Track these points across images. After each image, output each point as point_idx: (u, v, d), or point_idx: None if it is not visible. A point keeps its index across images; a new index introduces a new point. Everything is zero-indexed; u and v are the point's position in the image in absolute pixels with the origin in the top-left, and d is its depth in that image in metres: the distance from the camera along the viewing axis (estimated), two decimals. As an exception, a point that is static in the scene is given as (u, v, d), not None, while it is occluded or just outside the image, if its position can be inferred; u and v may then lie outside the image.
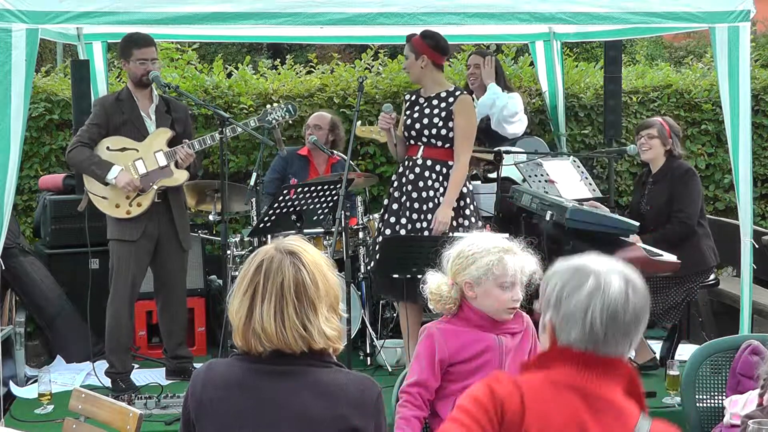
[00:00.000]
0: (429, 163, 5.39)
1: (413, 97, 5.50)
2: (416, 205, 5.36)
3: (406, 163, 5.44)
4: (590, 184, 6.06)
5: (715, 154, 7.93)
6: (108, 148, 5.30)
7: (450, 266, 3.09)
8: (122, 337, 5.38)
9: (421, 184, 5.37)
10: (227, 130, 5.36)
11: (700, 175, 5.77)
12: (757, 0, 5.06)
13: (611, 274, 2.03)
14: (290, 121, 6.14)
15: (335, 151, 6.44)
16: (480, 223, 5.47)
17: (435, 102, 5.40)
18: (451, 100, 5.39)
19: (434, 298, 3.14)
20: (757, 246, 5.40)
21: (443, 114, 5.36)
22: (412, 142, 5.40)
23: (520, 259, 2.99)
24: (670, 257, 4.95)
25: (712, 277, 5.66)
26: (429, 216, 5.33)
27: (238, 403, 2.35)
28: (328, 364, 2.38)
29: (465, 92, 5.55)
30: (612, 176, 7.08)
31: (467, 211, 5.41)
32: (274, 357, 2.34)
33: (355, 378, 2.41)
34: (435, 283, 3.11)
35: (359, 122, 6.44)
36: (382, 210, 5.57)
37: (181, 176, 5.39)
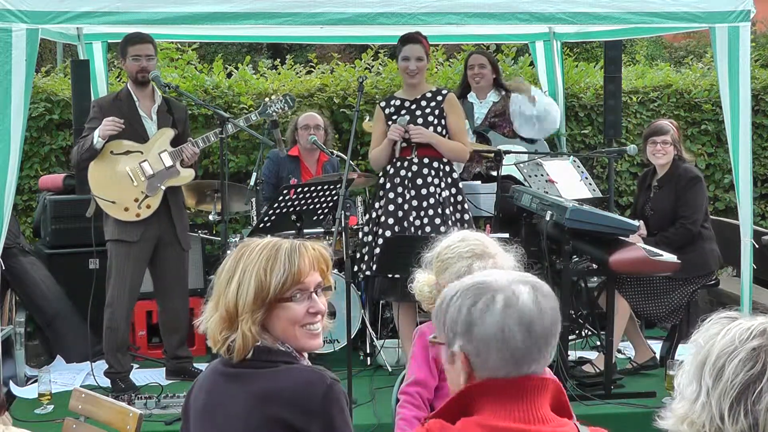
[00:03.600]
0: (426, 161, 5.44)
1: (395, 102, 5.53)
2: (415, 203, 5.40)
3: (398, 163, 5.46)
4: (590, 184, 6.07)
5: (715, 154, 7.94)
6: (112, 152, 5.31)
7: (432, 267, 3.08)
8: (119, 338, 5.37)
9: (419, 181, 5.41)
10: (229, 126, 5.37)
11: (699, 175, 5.77)
12: (757, 0, 5.07)
13: (517, 285, 1.86)
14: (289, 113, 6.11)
15: (335, 151, 6.42)
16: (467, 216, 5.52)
17: (423, 103, 5.48)
18: (439, 98, 5.49)
19: (420, 298, 3.13)
20: (757, 246, 5.39)
21: (436, 112, 5.46)
22: (404, 144, 5.42)
23: (491, 264, 2.90)
24: (670, 257, 4.95)
25: (712, 278, 5.66)
26: (430, 212, 5.38)
27: (201, 404, 2.36)
28: (274, 363, 2.27)
29: (449, 90, 5.68)
30: (612, 176, 7.07)
31: (466, 205, 5.53)
32: (230, 358, 2.30)
33: (299, 376, 2.26)
34: (418, 284, 3.09)
35: (367, 118, 6.45)
36: (371, 213, 5.58)
37: (187, 175, 5.41)
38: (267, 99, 5.75)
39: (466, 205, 5.54)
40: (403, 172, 5.45)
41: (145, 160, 5.33)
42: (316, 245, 2.33)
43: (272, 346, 2.28)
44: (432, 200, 5.40)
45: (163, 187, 5.33)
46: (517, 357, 1.82)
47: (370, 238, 5.53)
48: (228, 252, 5.49)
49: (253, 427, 2.23)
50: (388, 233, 5.39)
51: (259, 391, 2.24)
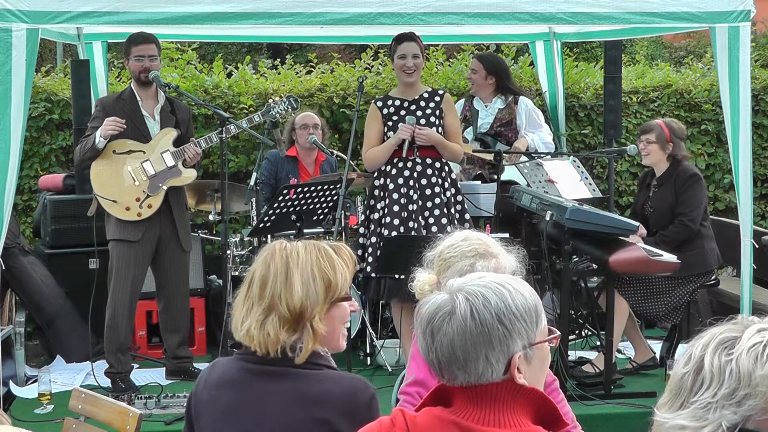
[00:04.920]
0: (428, 161, 5.46)
1: (394, 102, 5.52)
2: (420, 203, 5.42)
3: (401, 164, 5.46)
4: (590, 184, 6.06)
5: (715, 154, 7.94)
6: (114, 151, 5.31)
7: (433, 266, 3.08)
8: (121, 338, 5.37)
9: (423, 181, 5.43)
10: (231, 127, 5.38)
11: (699, 174, 5.76)
12: (757, 0, 5.07)
13: (454, 292, 1.80)
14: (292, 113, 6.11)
15: (334, 151, 6.41)
16: (467, 216, 5.54)
17: (422, 103, 5.50)
18: (437, 98, 5.52)
19: (420, 297, 3.13)
20: (757, 246, 5.39)
21: (437, 112, 5.48)
22: (406, 145, 5.42)
23: (494, 263, 2.89)
24: (669, 257, 4.95)
25: (712, 277, 5.66)
26: (435, 212, 5.39)
27: (228, 401, 2.35)
28: (319, 367, 2.32)
29: (445, 91, 5.70)
30: (612, 176, 7.08)
31: (465, 205, 5.56)
32: (266, 356, 2.30)
33: (346, 382, 2.33)
34: (419, 283, 3.09)
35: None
36: (367, 213, 5.56)
37: (189, 175, 5.42)
38: (270, 100, 5.75)
39: (465, 205, 5.57)
40: (407, 173, 5.44)
41: (146, 160, 5.33)
42: (345, 247, 2.41)
43: (320, 350, 2.34)
44: (437, 200, 5.42)
45: (165, 187, 5.34)
46: (437, 367, 1.81)
47: (374, 239, 5.50)
48: (228, 252, 5.53)
49: (293, 426, 2.27)
50: (394, 233, 5.38)
51: (306, 391, 2.29)
